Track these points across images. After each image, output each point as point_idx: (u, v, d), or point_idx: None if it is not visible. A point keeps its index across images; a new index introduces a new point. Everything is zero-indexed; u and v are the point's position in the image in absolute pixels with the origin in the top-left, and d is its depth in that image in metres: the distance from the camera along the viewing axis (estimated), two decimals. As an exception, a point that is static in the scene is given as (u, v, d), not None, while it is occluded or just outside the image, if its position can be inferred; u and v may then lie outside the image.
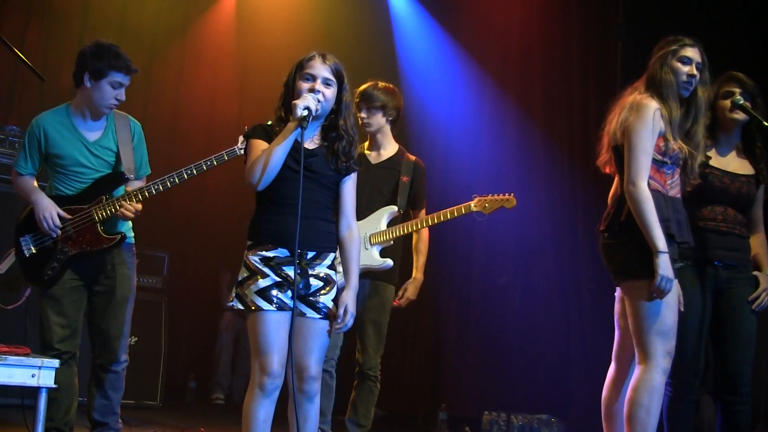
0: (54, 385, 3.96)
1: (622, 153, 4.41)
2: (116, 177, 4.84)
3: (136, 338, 7.01)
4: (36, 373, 3.90)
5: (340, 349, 5.55)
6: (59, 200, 4.78)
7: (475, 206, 5.46)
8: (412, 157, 5.62)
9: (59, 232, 4.73)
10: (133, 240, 5.00)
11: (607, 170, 4.65)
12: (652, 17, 7.61)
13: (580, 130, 8.07)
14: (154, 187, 4.75)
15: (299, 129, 3.75)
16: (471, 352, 8.34)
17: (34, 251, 4.81)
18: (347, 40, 8.64)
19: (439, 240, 8.43)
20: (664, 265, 4.16)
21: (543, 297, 7.98)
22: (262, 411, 3.77)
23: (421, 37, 9.16)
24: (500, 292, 7.97)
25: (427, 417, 8.44)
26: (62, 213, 4.74)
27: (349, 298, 3.92)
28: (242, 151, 4.69)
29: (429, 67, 9.12)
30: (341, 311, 3.89)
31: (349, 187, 4.04)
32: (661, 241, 4.19)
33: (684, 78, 4.43)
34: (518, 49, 8.65)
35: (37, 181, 4.91)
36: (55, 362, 3.95)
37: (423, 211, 5.65)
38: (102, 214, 4.74)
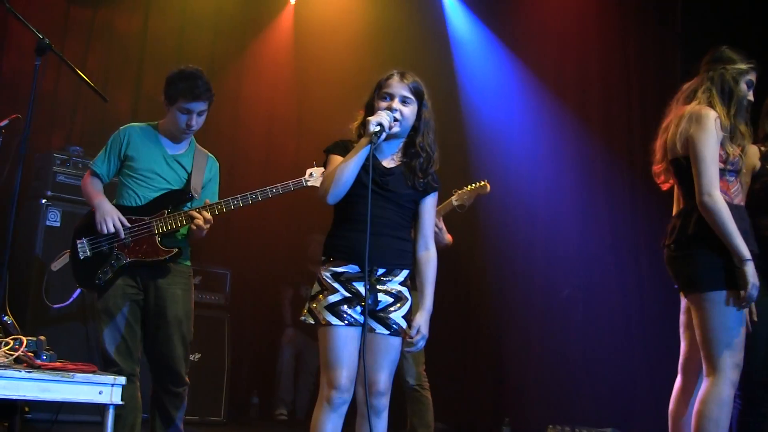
0: (121, 402, 3.99)
1: (682, 165, 4.36)
2: (182, 194, 4.91)
3: (200, 355, 7.08)
4: (103, 390, 3.93)
5: (420, 363, 5.62)
6: (123, 209, 4.85)
7: (456, 201, 5.61)
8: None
9: (122, 232, 4.78)
10: (188, 263, 5.03)
11: (661, 181, 4.61)
12: (711, 25, 7.52)
13: (639, 140, 7.97)
14: (217, 207, 4.83)
15: (370, 145, 3.77)
16: (533, 365, 8.27)
17: (89, 254, 4.87)
18: (405, 54, 8.65)
19: (498, 253, 8.42)
20: (752, 272, 4.11)
21: (605, 309, 7.89)
22: (330, 425, 3.77)
23: (479, 50, 9.15)
24: (562, 305, 7.92)
25: (490, 431, 8.38)
26: (123, 220, 4.80)
27: (423, 320, 3.92)
28: (308, 183, 4.81)
29: (486, 78, 9.09)
30: (413, 332, 3.90)
31: (428, 206, 4.04)
32: (745, 249, 4.14)
33: (745, 102, 4.40)
34: (575, 60, 8.60)
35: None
36: (122, 379, 3.99)
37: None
38: (162, 227, 4.81)
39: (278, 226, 9.10)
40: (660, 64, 8.06)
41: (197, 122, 4.91)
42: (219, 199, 5.03)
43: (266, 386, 8.89)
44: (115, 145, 4.96)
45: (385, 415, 3.89)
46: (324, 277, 3.90)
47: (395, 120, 3.87)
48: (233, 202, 4.86)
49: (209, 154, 5.14)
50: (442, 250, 5.61)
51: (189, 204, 4.90)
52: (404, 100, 3.92)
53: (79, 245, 4.90)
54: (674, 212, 4.62)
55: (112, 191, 5.02)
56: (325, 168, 4.05)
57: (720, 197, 4.19)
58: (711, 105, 4.34)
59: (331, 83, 8.82)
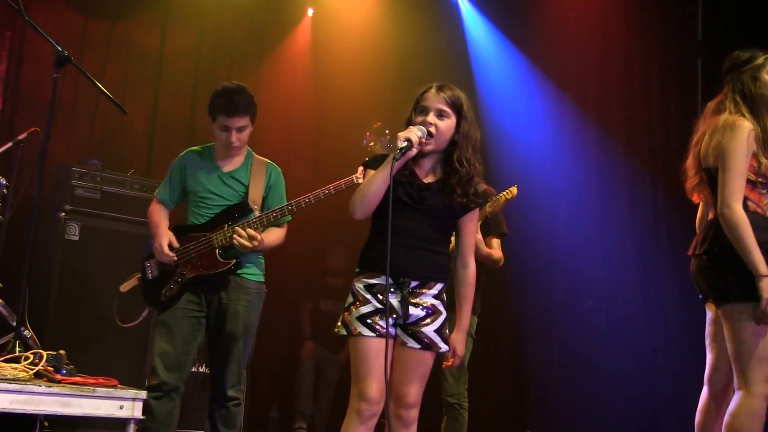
0: (141, 417, 3.97)
1: (713, 175, 4.30)
2: (241, 207, 4.97)
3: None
4: (124, 404, 3.90)
5: (462, 382, 5.60)
6: (189, 228, 4.99)
7: (488, 208, 5.64)
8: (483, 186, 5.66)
9: (171, 258, 4.89)
10: (257, 278, 5.08)
11: (695, 196, 4.55)
12: (731, 33, 7.48)
13: (661, 150, 7.95)
14: (272, 215, 4.90)
15: (393, 161, 3.71)
16: (555, 376, 8.22)
17: (156, 274, 5.02)
18: (423, 64, 8.63)
19: (519, 262, 8.37)
20: (766, 288, 4.04)
21: (627, 320, 7.84)
22: None
23: (498, 60, 9.11)
24: (584, 316, 7.87)
25: (511, 443, 8.34)
26: (174, 243, 4.92)
27: (458, 341, 3.92)
28: (359, 180, 4.78)
29: (506, 89, 9.06)
30: (450, 354, 3.89)
31: (468, 224, 3.99)
32: (762, 265, 4.05)
33: None
34: (597, 70, 8.56)
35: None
36: (143, 394, 3.96)
37: (497, 239, 5.71)
38: (221, 240, 4.88)
39: (297, 238, 9.05)
40: (681, 71, 8.03)
41: (238, 138, 4.96)
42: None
43: (286, 400, 8.85)
44: (174, 172, 5.11)
45: (414, 428, 3.86)
46: (357, 288, 3.86)
47: (429, 135, 3.81)
48: (287, 208, 4.91)
49: (268, 161, 5.18)
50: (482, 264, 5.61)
51: (251, 215, 4.94)
52: (440, 114, 3.86)
53: (147, 267, 5.08)
54: (698, 221, 4.57)
55: (181, 216, 5.20)
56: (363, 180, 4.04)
57: (740, 210, 4.12)
58: (742, 115, 4.28)
59: (349, 93, 8.79)
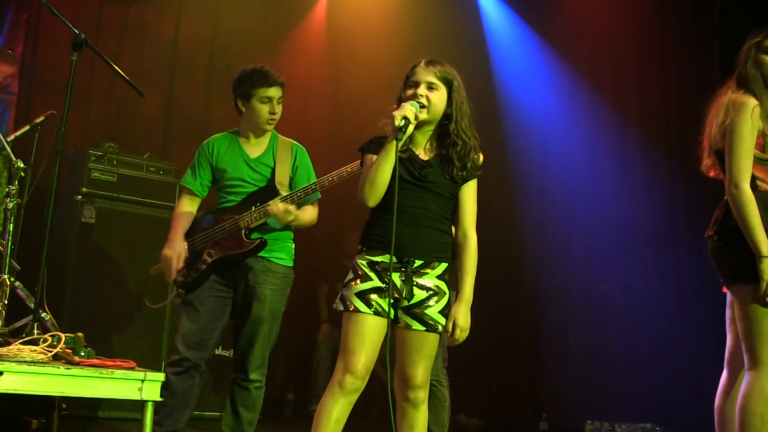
0: (159, 399, 3.98)
1: (723, 156, 4.28)
2: (269, 190, 4.99)
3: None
4: (142, 386, 3.91)
5: (439, 356, 5.51)
6: (221, 212, 5.04)
7: None
8: None
9: (173, 276, 4.94)
10: (285, 263, 5.10)
11: (711, 174, 4.52)
12: (748, 16, 7.41)
13: (677, 131, 7.92)
14: (296, 194, 4.92)
15: (396, 141, 3.71)
16: (572, 360, 8.21)
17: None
18: (440, 48, 8.59)
19: (536, 248, 8.36)
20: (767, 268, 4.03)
21: (645, 303, 7.82)
22: (337, 409, 3.71)
23: (514, 41, 9.10)
24: (601, 299, 7.85)
25: (527, 427, 8.33)
26: (181, 260, 4.95)
27: (460, 312, 3.85)
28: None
29: (522, 71, 9.04)
30: (450, 325, 3.84)
31: (467, 194, 3.95)
32: (764, 245, 4.04)
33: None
34: (612, 52, 8.54)
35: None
36: (161, 376, 3.97)
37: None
38: (247, 221, 4.91)
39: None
40: (698, 56, 7.99)
41: (278, 109, 5.05)
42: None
43: (302, 382, 8.88)
44: (202, 158, 5.15)
45: (424, 408, 3.86)
46: (359, 265, 3.85)
47: (422, 107, 3.80)
48: (311, 188, 4.93)
49: (293, 141, 5.22)
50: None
51: (277, 196, 4.96)
52: (430, 86, 3.85)
53: None
54: None
55: (210, 203, 5.25)
56: (361, 167, 4.02)
57: (747, 189, 4.11)
58: (747, 92, 4.26)
59: (364, 76, 8.79)
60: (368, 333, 3.74)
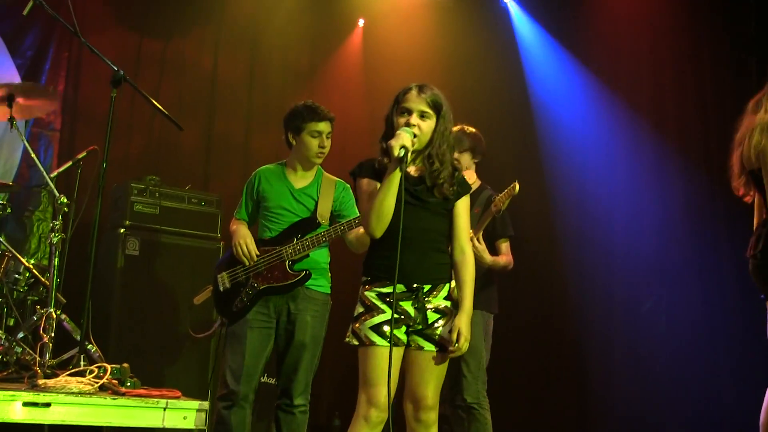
0: (203, 427, 4.02)
1: (759, 176, 4.26)
2: (310, 221, 5.12)
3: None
4: (188, 415, 3.96)
5: (481, 381, 5.52)
6: (262, 242, 5.13)
7: (493, 208, 5.44)
8: (488, 192, 5.64)
9: (253, 257, 5.04)
10: (323, 290, 5.21)
11: (741, 193, 4.51)
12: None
13: (716, 147, 7.85)
14: (339, 227, 4.99)
15: (400, 172, 3.77)
16: (617, 379, 8.13)
17: (228, 286, 5.15)
18: (475, 70, 8.65)
19: (577, 265, 8.32)
20: None
21: (689, 320, 7.74)
22: None
23: (550, 64, 9.08)
24: (644, 318, 7.79)
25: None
26: (253, 247, 5.06)
27: (463, 323, 3.88)
28: None
29: (559, 93, 9.01)
30: (454, 336, 3.87)
31: (460, 211, 4.02)
32: None
33: None
34: (648, 67, 8.49)
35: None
36: (205, 405, 4.01)
37: (505, 242, 5.60)
38: (291, 253, 5.01)
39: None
40: (735, 68, 7.93)
41: (327, 143, 5.17)
42: None
43: (348, 408, 8.85)
44: (249, 189, 5.29)
45: (435, 429, 3.91)
46: (369, 297, 3.90)
47: (413, 136, 3.85)
48: (354, 222, 4.97)
49: (337, 179, 5.33)
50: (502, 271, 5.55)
51: (319, 229, 5.08)
52: (422, 115, 3.92)
53: (219, 279, 5.21)
54: (755, 223, 4.53)
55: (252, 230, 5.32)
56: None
57: None
58: None
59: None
60: (387, 365, 3.77)
